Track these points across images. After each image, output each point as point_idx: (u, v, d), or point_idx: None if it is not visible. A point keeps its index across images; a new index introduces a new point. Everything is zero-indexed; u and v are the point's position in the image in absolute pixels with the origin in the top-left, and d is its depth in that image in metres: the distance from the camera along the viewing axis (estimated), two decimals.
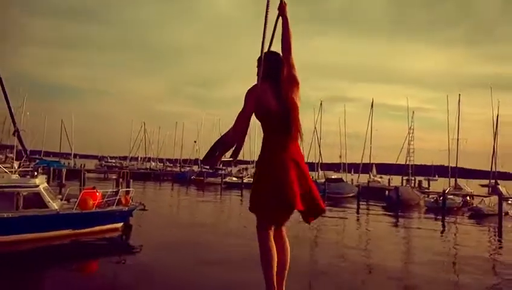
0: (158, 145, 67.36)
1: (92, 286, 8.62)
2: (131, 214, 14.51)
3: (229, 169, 56.21)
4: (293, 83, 2.10)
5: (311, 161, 47.59)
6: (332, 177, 41.70)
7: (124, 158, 69.87)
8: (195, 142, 62.18)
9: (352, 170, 49.35)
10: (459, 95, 39.85)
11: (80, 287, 8.53)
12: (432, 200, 28.65)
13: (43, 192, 11.84)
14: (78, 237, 12.34)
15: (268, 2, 2.03)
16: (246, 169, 51.59)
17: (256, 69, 2.07)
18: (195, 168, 57.28)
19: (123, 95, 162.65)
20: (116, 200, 13.79)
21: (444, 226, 21.17)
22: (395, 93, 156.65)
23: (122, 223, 13.97)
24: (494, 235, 19.04)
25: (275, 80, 2.02)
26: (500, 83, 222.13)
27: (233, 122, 2.01)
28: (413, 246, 15.15)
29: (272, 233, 2.01)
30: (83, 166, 51.33)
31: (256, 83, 2.01)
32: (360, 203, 28.25)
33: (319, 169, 44.97)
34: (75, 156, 56.66)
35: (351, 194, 34.24)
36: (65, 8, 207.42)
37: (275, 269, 1.95)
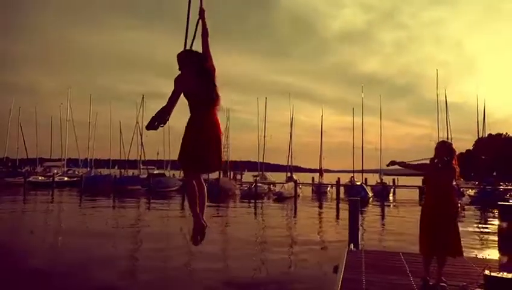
0: None
1: None
2: None
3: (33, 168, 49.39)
4: (213, 70, 2.78)
5: (133, 158, 46.48)
6: (155, 172, 42.27)
7: None
8: None
9: (169, 166, 50.05)
10: (266, 98, 47.06)
11: None
12: (246, 188, 33.07)
13: None
14: None
15: (189, 7, 2.77)
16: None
17: (177, 62, 2.67)
18: None
19: None
20: None
21: (256, 209, 24.94)
22: None
23: None
24: (291, 211, 23.84)
25: (202, 69, 2.69)
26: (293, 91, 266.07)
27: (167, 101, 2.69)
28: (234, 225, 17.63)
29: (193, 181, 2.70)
30: None
31: (180, 72, 2.64)
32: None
33: (141, 165, 44.58)
34: None
35: (174, 188, 35.60)
36: None
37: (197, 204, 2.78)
